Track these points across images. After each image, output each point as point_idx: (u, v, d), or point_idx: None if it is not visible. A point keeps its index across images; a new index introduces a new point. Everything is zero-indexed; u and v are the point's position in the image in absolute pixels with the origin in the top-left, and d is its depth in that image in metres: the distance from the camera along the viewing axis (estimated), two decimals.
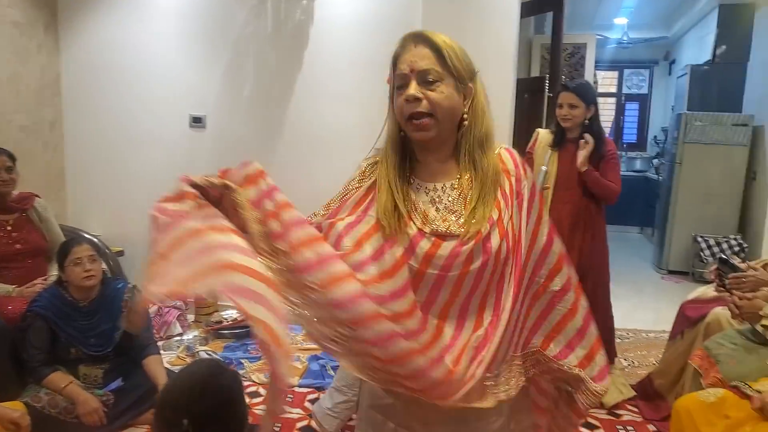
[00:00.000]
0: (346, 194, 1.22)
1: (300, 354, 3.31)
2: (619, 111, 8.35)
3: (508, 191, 1.15)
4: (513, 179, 1.16)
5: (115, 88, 4.01)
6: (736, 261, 2.42)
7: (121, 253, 3.94)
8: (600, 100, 6.97)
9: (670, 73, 7.86)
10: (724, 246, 4.88)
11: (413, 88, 1.11)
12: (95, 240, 3.49)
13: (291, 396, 2.86)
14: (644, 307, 4.44)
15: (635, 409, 2.74)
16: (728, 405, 1.62)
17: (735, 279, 2.24)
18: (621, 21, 7.10)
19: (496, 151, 1.17)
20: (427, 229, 1.11)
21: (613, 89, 8.38)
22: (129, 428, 2.51)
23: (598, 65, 6.92)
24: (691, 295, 2.71)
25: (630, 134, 8.40)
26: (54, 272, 2.72)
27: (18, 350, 2.45)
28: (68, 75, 4.05)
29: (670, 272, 5.35)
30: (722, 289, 2.41)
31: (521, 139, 4.32)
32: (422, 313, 1.10)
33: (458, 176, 1.16)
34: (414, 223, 1.12)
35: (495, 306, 1.13)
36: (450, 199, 1.15)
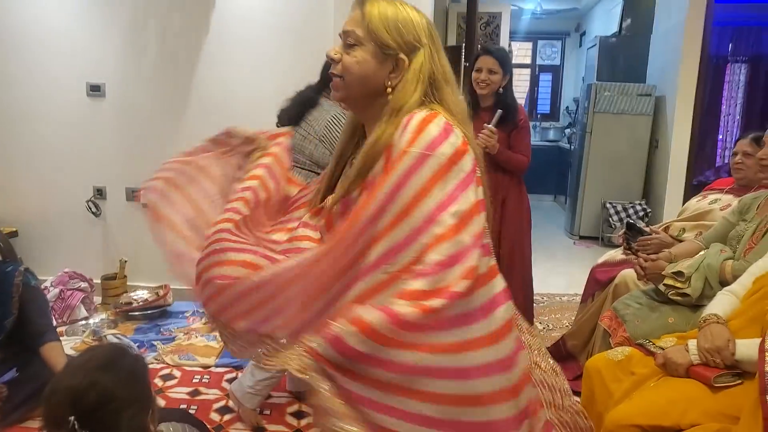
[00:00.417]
0: None
1: (216, 333, 3.19)
2: (534, 82, 8.58)
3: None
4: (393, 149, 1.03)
5: (2, 56, 3.63)
6: (641, 225, 2.54)
7: (14, 234, 3.63)
8: (516, 70, 7.17)
9: (580, 45, 8.13)
10: (631, 212, 5.15)
11: (334, 49, 1.13)
12: None
13: (208, 377, 2.76)
14: (557, 272, 4.62)
15: None
16: (634, 362, 1.69)
17: (642, 242, 2.35)
18: None
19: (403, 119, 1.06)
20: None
21: (528, 60, 8.58)
22: (27, 421, 2.32)
23: (513, 36, 7.04)
24: (601, 259, 2.83)
25: (544, 105, 8.68)
26: None
27: None
28: None
29: (582, 238, 5.59)
30: (629, 252, 2.54)
31: None
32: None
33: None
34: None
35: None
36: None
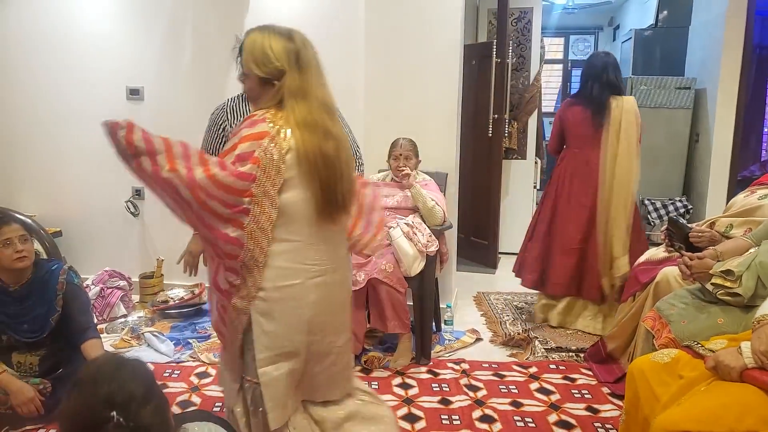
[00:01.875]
0: None
1: None
2: (566, 77, 8.44)
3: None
4: None
5: (47, 61, 3.76)
6: (684, 222, 2.46)
7: (58, 234, 3.73)
8: (547, 66, 7.04)
9: (614, 39, 7.95)
10: (671, 208, 5.01)
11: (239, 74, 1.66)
12: (27, 220, 3.28)
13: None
14: None
15: (589, 373, 2.79)
16: (682, 365, 1.63)
17: (693, 236, 2.25)
18: None
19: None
20: None
21: (560, 56, 8.44)
22: None
23: (545, 32, 6.92)
24: (642, 258, 2.75)
25: None
26: None
27: None
28: None
29: None
30: (672, 249, 2.46)
31: (469, 104, 4.28)
32: None
33: None
34: None
35: None
36: None
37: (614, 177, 3.11)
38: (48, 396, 2.32)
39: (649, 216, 5.10)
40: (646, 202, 5.14)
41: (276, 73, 1.53)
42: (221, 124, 2.31)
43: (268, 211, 1.49)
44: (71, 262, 3.19)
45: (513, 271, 3.55)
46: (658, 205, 5.07)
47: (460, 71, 3.37)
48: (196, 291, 3.62)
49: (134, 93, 3.71)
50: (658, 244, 2.84)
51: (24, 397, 2.22)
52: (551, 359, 2.96)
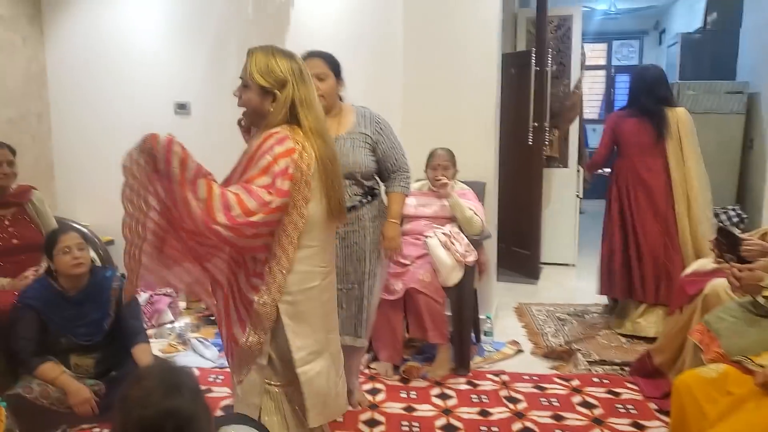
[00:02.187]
0: None
1: None
2: (609, 83, 8.28)
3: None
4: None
5: (100, 78, 3.95)
6: (735, 231, 2.38)
7: (111, 242, 3.88)
8: (589, 73, 6.92)
9: (660, 43, 7.77)
10: (723, 217, 4.83)
11: (234, 91, 1.76)
12: (83, 229, 3.44)
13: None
14: None
15: (635, 387, 2.72)
16: (731, 380, 1.58)
17: (744, 248, 2.14)
18: None
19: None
20: None
21: (602, 62, 8.29)
22: None
23: (586, 38, 6.82)
24: (689, 269, 2.67)
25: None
26: (45, 264, 2.67)
27: (9, 343, 2.40)
28: (54, 67, 4.00)
29: None
30: (721, 260, 2.37)
31: (508, 113, 4.25)
32: None
33: None
34: None
35: None
36: None
37: (689, 186, 3.28)
38: (102, 397, 2.41)
39: None
40: None
41: (278, 84, 1.64)
42: None
43: (296, 221, 1.61)
44: (122, 269, 3.31)
45: (600, 283, 3.50)
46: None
47: (498, 80, 3.37)
48: None
49: (181, 107, 3.86)
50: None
51: (81, 397, 2.32)
52: (594, 372, 2.90)
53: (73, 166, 4.07)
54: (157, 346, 3.19)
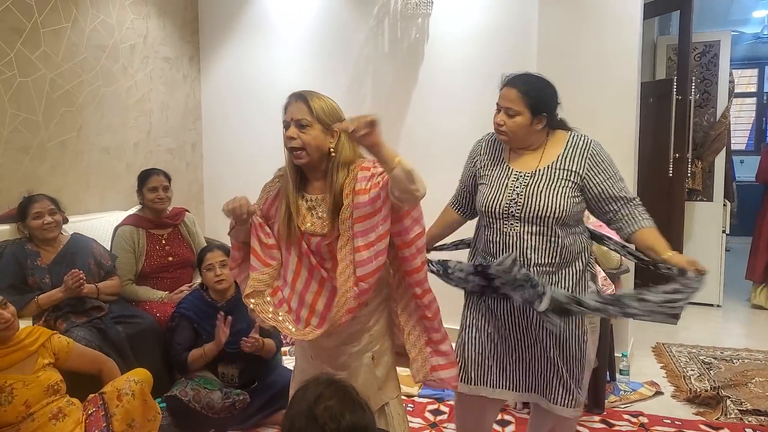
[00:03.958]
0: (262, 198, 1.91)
1: None
2: (761, 111, 7.61)
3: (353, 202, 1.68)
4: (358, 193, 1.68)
5: (248, 111, 4.33)
6: None
7: None
8: (737, 100, 6.42)
9: None
10: None
11: (291, 131, 1.70)
12: (227, 246, 3.75)
13: (412, 405, 2.88)
14: None
15: None
16: None
17: None
18: (760, 14, 6.49)
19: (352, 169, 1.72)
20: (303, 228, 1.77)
21: (753, 88, 7.65)
22: (260, 428, 2.66)
23: (734, 63, 6.37)
24: None
25: None
26: (198, 279, 2.97)
27: (167, 349, 2.70)
28: (207, 101, 4.46)
29: None
30: None
31: (647, 143, 4.08)
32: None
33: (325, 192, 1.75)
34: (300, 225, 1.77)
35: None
36: (321, 207, 1.75)
37: None
38: (246, 406, 2.62)
39: None
40: None
41: (334, 121, 1.71)
42: (474, 158, 2.07)
43: None
44: None
45: None
46: None
47: (637, 110, 3.27)
48: None
49: None
50: None
51: (222, 340, 2.59)
52: (747, 422, 2.65)
53: (221, 191, 4.40)
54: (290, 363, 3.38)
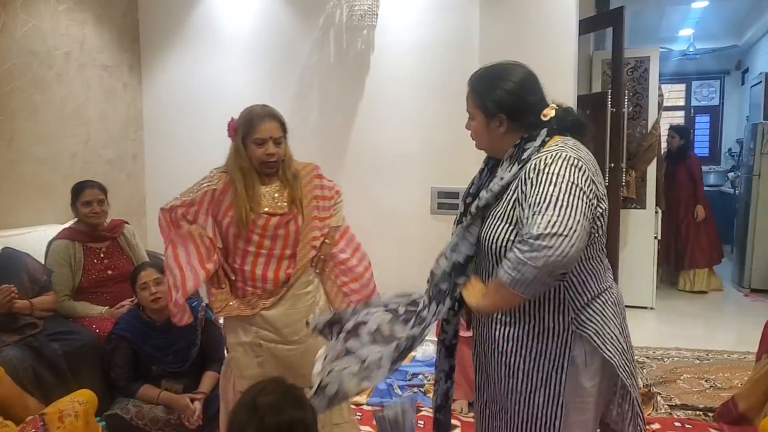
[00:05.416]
0: (199, 191, 2.16)
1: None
2: (689, 124, 8.07)
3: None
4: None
5: (191, 121, 4.25)
6: None
7: None
8: (667, 113, 6.79)
9: (743, 83, 7.54)
10: None
11: (272, 148, 2.05)
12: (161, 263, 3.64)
13: (360, 414, 2.89)
14: (726, 328, 4.25)
15: None
16: None
17: None
18: (686, 32, 6.91)
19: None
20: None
21: (681, 102, 8.11)
22: None
23: (664, 78, 6.74)
24: None
25: (702, 147, 8.09)
26: None
27: (107, 370, 2.62)
28: (149, 111, 4.36)
29: (753, 290, 5.07)
30: None
31: None
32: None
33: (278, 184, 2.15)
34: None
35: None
36: (278, 194, 2.13)
37: None
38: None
39: None
40: None
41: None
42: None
43: None
44: (206, 300, 3.52)
45: None
46: None
47: None
48: None
49: None
50: None
51: (187, 404, 2.51)
52: (676, 417, 2.80)
53: (165, 202, 4.36)
54: None
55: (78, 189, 2.99)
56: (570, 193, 1.28)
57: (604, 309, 1.44)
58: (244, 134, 2.08)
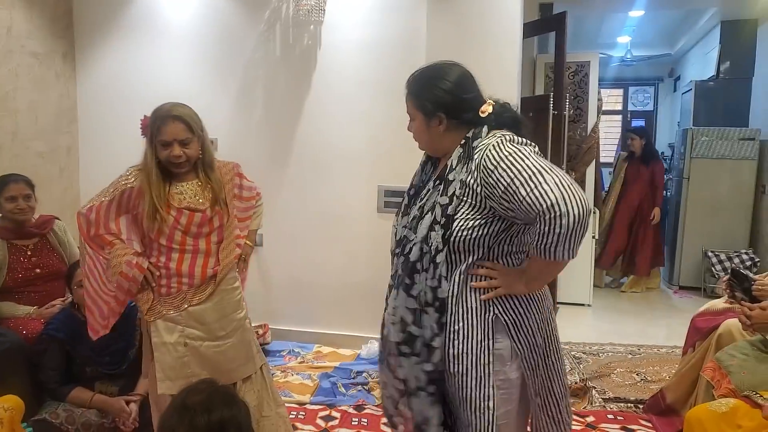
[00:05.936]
0: (117, 190, 2.13)
1: (311, 372, 3.32)
2: (625, 128, 8.41)
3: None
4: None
5: (129, 114, 4.06)
6: (747, 273, 2.43)
7: None
8: (605, 117, 7.04)
9: (675, 90, 7.92)
10: (736, 261, 4.87)
11: (177, 150, 2.02)
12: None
13: (303, 413, 2.87)
14: (656, 324, 4.44)
15: (648, 425, 2.73)
16: (740, 414, 1.63)
17: (756, 288, 2.21)
18: (624, 39, 7.18)
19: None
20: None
21: (619, 107, 8.44)
22: None
23: (603, 83, 7.00)
24: (702, 308, 2.72)
25: None
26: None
27: (36, 373, 2.49)
28: (84, 102, 4.16)
29: (682, 288, 5.33)
30: (733, 300, 2.43)
31: None
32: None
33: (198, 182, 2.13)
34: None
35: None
36: (195, 191, 2.11)
37: None
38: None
39: (713, 268, 4.96)
40: (710, 254, 5.02)
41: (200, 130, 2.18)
42: None
43: None
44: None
45: None
46: (723, 257, 4.93)
47: None
48: (260, 332, 3.76)
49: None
50: (721, 296, 2.80)
51: (122, 407, 2.43)
52: (609, 409, 2.91)
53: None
54: None
55: (2, 183, 2.82)
56: (539, 159, 1.38)
57: (528, 303, 1.50)
58: (151, 134, 2.08)
